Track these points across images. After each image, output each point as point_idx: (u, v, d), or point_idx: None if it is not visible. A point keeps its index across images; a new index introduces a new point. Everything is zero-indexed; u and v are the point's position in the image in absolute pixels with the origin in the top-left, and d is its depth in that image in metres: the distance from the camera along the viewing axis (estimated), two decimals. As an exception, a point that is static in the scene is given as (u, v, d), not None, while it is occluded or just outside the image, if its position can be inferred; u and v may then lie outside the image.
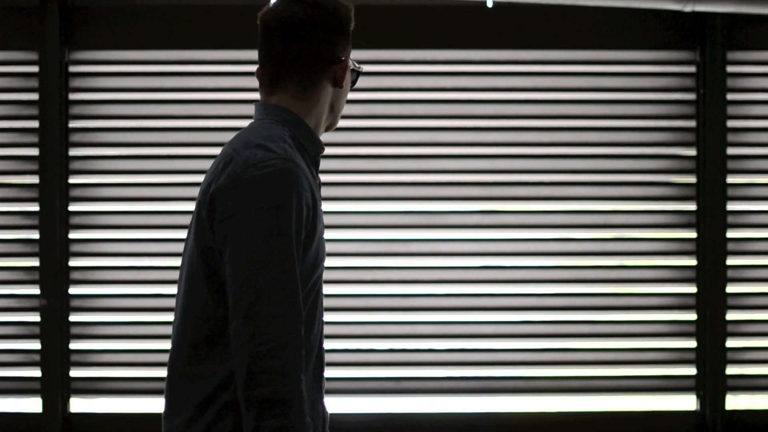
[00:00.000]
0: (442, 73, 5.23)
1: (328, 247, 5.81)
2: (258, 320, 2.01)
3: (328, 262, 5.73)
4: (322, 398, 2.26)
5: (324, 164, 5.30)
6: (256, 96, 5.78)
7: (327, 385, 4.99)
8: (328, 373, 5.06)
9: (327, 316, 5.23)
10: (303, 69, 2.24)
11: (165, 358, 5.66)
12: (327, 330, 5.22)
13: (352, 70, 2.33)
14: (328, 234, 5.19)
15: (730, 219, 5.24)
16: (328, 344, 5.22)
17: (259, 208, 2.04)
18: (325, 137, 5.89)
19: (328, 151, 5.63)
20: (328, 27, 2.25)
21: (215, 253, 2.09)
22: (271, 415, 1.99)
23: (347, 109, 5.49)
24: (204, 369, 2.16)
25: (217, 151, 5.56)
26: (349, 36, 2.30)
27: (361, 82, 5.25)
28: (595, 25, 5.22)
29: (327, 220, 5.22)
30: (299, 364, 2.03)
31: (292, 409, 2.00)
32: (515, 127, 5.23)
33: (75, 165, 5.20)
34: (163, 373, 5.61)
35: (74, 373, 5.19)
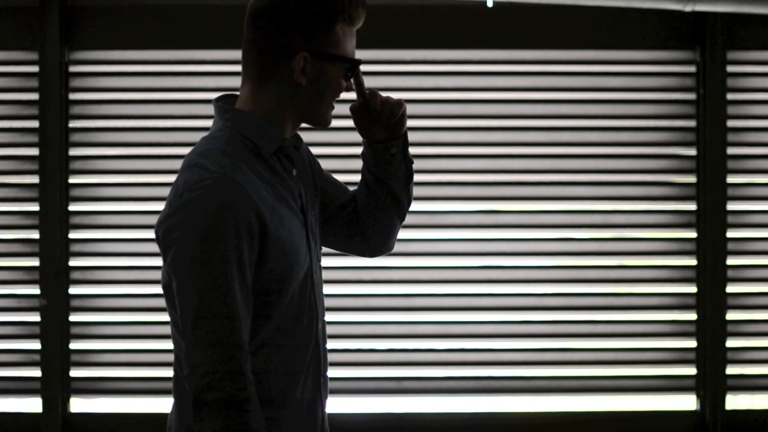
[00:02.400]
0: (442, 73, 5.22)
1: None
2: (198, 350, 1.98)
3: (329, 262, 5.70)
4: (321, 399, 2.24)
5: (324, 164, 5.30)
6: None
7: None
8: (330, 372, 5.06)
9: (327, 316, 5.22)
10: (254, 61, 2.14)
11: (165, 358, 5.69)
12: (327, 330, 5.21)
13: (339, 57, 2.15)
14: (328, 234, 5.19)
15: (730, 219, 5.24)
16: (328, 344, 5.21)
17: (193, 233, 1.99)
18: (325, 137, 5.87)
19: (328, 151, 5.67)
20: (285, 13, 2.10)
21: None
22: None
23: (346, 109, 5.48)
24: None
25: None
26: (324, 27, 2.12)
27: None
28: (595, 25, 5.22)
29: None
30: (242, 392, 1.98)
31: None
32: (515, 127, 5.23)
33: (75, 165, 5.19)
34: (163, 372, 5.63)
35: (74, 373, 5.19)
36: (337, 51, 2.15)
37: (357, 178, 5.61)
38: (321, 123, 2.22)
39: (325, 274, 5.59)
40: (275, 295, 2.10)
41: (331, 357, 5.14)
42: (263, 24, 2.11)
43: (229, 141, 2.11)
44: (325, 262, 5.58)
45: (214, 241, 1.98)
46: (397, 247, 5.27)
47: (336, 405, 5.03)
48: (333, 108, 2.23)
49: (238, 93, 2.24)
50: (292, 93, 2.14)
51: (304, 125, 2.26)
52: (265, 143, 2.13)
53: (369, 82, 5.71)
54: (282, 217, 2.10)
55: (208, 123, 5.78)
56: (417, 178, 5.27)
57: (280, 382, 2.13)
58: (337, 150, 5.18)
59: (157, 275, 5.19)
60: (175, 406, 2.20)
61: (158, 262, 5.19)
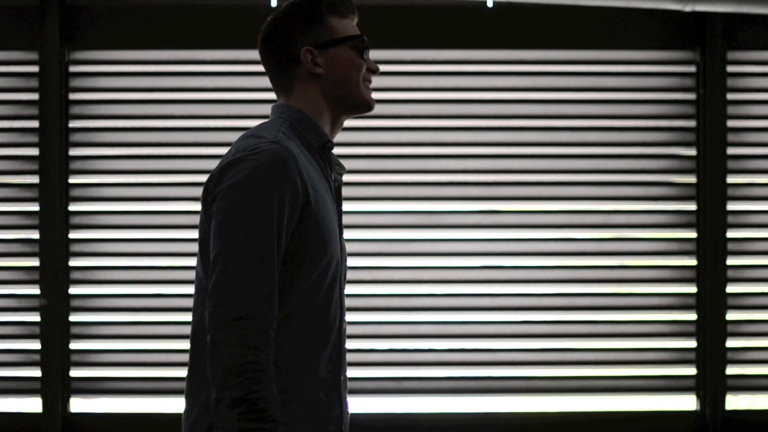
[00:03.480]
0: (442, 73, 5.23)
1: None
2: (224, 290, 2.04)
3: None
4: (341, 398, 2.24)
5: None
6: (257, 96, 5.79)
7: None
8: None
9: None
10: (277, 77, 2.34)
11: (165, 358, 5.69)
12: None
13: (341, 39, 2.31)
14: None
15: (730, 219, 5.24)
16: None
17: (241, 185, 2.08)
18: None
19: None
20: (277, 28, 2.31)
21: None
22: (230, 386, 1.99)
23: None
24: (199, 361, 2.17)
25: (217, 150, 5.57)
26: (316, 22, 2.30)
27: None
28: (595, 25, 5.22)
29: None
30: (261, 337, 2.02)
31: (251, 381, 1.99)
32: (515, 127, 5.23)
33: (75, 165, 5.20)
34: (163, 372, 5.62)
35: (74, 373, 5.19)
36: (337, 35, 2.32)
37: (357, 177, 5.59)
38: (361, 103, 2.34)
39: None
40: (306, 268, 2.14)
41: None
42: (269, 45, 2.32)
43: (283, 125, 2.25)
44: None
45: (262, 195, 2.07)
46: (397, 247, 5.31)
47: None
48: (370, 89, 2.36)
49: (284, 103, 2.36)
50: (318, 87, 2.30)
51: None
52: (314, 137, 2.28)
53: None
54: (325, 201, 2.21)
55: (208, 123, 5.80)
56: (417, 178, 5.29)
57: (298, 360, 2.15)
58: (337, 150, 5.17)
59: (157, 275, 5.20)
60: (193, 382, 2.20)
61: (158, 262, 5.20)
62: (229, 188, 2.09)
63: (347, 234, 5.25)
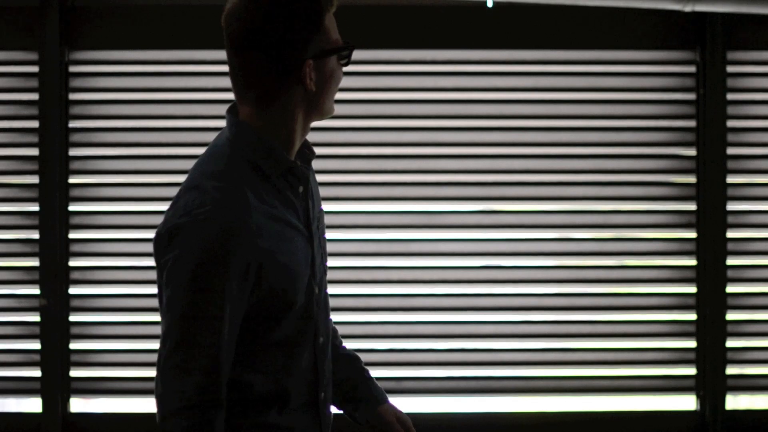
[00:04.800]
0: (442, 73, 5.22)
1: (329, 247, 5.75)
2: (170, 375, 1.94)
3: (329, 261, 5.68)
4: (319, 424, 2.19)
5: (324, 164, 5.33)
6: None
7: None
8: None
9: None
10: (249, 87, 2.05)
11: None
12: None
13: (337, 49, 2.07)
14: (327, 233, 5.18)
15: (730, 219, 5.24)
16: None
17: (187, 261, 1.93)
18: (325, 137, 5.88)
19: (328, 151, 5.66)
20: (272, 32, 1.98)
21: None
22: None
23: (347, 109, 5.49)
24: None
25: (217, 151, 5.49)
26: (317, 27, 2.02)
27: (361, 81, 5.27)
28: (595, 25, 5.22)
29: (327, 220, 5.21)
30: (208, 427, 1.95)
31: None
32: (515, 127, 5.23)
33: (75, 165, 5.19)
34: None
35: (74, 373, 5.19)
36: (331, 44, 2.06)
37: (357, 177, 5.57)
38: (328, 113, 2.13)
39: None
40: (273, 316, 2.06)
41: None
42: (253, 50, 2.00)
43: (232, 162, 2.03)
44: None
45: (208, 271, 1.93)
46: (397, 247, 5.30)
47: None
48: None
49: (237, 113, 2.15)
50: (301, 101, 2.06)
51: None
52: (271, 167, 2.05)
53: (369, 82, 5.74)
54: (283, 241, 2.04)
55: (208, 123, 5.80)
56: (418, 178, 5.28)
57: (270, 391, 2.08)
58: (337, 150, 5.18)
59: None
60: None
61: (158, 262, 5.19)
62: (175, 261, 1.94)
63: (347, 234, 5.24)
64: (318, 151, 5.70)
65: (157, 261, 2.02)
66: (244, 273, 1.97)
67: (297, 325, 2.09)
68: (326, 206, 5.18)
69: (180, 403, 1.94)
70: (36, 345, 5.15)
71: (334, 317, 5.20)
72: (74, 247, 5.19)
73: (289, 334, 2.08)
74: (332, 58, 2.07)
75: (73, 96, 5.19)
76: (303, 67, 2.01)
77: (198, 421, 1.94)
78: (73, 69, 5.19)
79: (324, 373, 2.19)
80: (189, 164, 5.18)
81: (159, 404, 1.97)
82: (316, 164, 5.85)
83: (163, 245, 1.98)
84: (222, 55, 5.43)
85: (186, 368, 1.94)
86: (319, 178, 5.28)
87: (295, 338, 2.10)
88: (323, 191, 5.21)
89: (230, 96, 5.55)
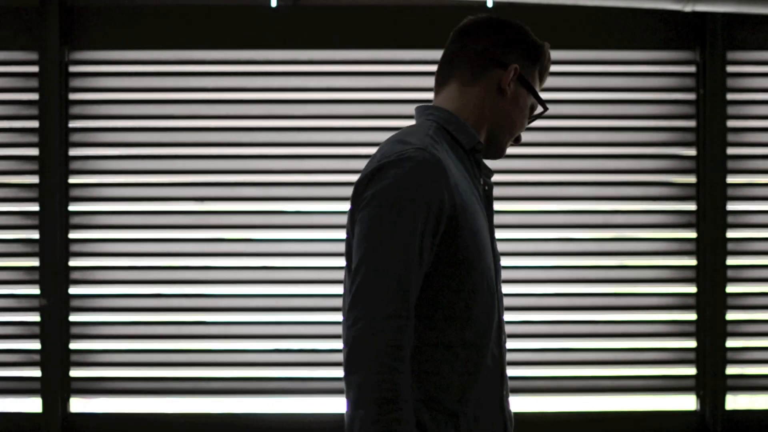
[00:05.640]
0: (442, 73, 5.22)
1: (330, 247, 5.77)
2: (363, 302, 2.02)
3: (328, 261, 5.67)
4: (501, 402, 2.22)
5: (324, 164, 5.33)
6: (256, 96, 5.76)
7: (329, 385, 5.00)
8: (330, 372, 5.07)
9: (328, 316, 5.23)
10: (467, 64, 2.31)
11: (165, 358, 5.67)
12: (328, 330, 5.22)
13: (539, 97, 2.33)
14: (329, 234, 5.20)
15: (730, 219, 5.24)
16: (328, 344, 5.22)
17: (385, 194, 2.06)
18: (323, 137, 5.86)
19: (327, 151, 5.64)
20: (505, 32, 2.35)
21: None
22: (363, 404, 1.98)
23: (347, 109, 5.47)
24: None
25: (216, 150, 5.55)
26: (530, 57, 2.34)
27: (361, 82, 5.27)
28: (595, 25, 5.22)
29: (326, 220, 5.22)
30: (399, 355, 1.99)
31: (385, 401, 1.97)
32: (515, 127, 5.22)
33: (75, 165, 5.20)
34: (163, 372, 5.60)
35: (74, 373, 5.19)
36: (534, 83, 2.35)
37: (354, 178, 5.54)
38: (499, 149, 2.36)
39: (324, 274, 5.59)
40: (459, 283, 2.12)
41: (331, 357, 5.15)
42: (482, 34, 2.35)
43: (431, 129, 2.21)
44: (323, 261, 5.56)
45: (406, 205, 2.04)
46: (397, 247, 5.27)
47: (336, 405, 5.02)
48: (510, 143, 2.38)
49: (429, 104, 2.36)
50: (493, 98, 2.29)
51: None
52: (464, 137, 2.25)
53: (369, 82, 5.73)
54: (474, 210, 2.17)
55: (208, 123, 5.78)
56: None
57: (460, 376, 2.13)
58: (337, 150, 5.18)
59: (157, 275, 5.20)
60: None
61: (158, 262, 5.21)
62: (373, 196, 2.07)
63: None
64: (318, 151, 5.71)
65: (354, 203, 2.13)
66: (437, 213, 2.07)
67: (483, 298, 2.16)
68: (326, 206, 5.22)
69: (370, 329, 2.00)
70: (36, 345, 5.15)
71: (334, 317, 5.23)
72: (74, 247, 5.19)
73: (477, 304, 2.15)
74: (529, 100, 2.33)
75: (73, 96, 5.19)
76: (509, 66, 2.29)
77: (383, 346, 1.99)
78: (73, 69, 5.19)
79: (504, 354, 2.24)
80: (189, 164, 5.20)
81: (350, 330, 2.02)
82: (316, 164, 5.83)
83: (362, 186, 2.12)
84: (222, 55, 5.43)
85: (379, 296, 2.01)
86: (320, 178, 5.30)
87: (482, 312, 2.16)
88: (323, 191, 5.24)
89: (231, 96, 5.56)
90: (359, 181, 2.14)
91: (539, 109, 2.39)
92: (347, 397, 2.03)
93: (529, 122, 2.39)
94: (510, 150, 4.60)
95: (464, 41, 2.36)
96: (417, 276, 2.06)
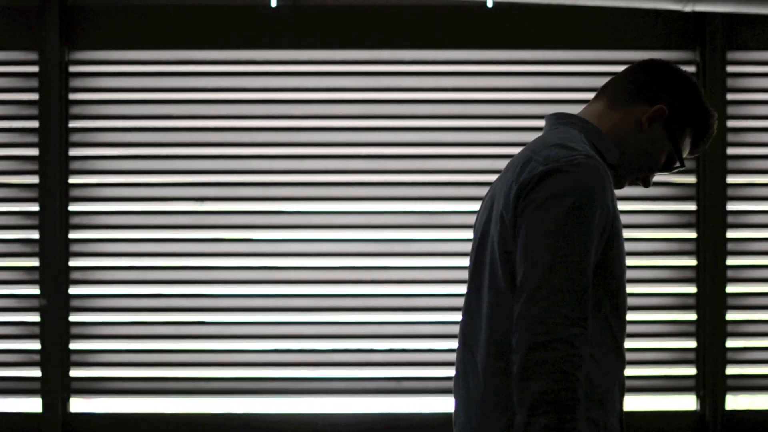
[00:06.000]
0: (442, 73, 5.22)
1: (330, 247, 5.78)
2: (541, 305, 2.01)
3: (329, 261, 5.69)
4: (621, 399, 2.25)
5: (324, 164, 5.33)
6: (256, 96, 5.76)
7: (327, 384, 5.01)
8: (330, 373, 5.07)
9: (327, 316, 5.23)
10: (623, 89, 2.36)
11: (165, 358, 5.67)
12: (327, 330, 5.23)
13: (678, 152, 2.32)
14: (328, 234, 5.20)
15: (730, 219, 5.24)
16: (328, 344, 5.22)
17: (561, 198, 2.06)
18: (323, 137, 5.86)
19: (326, 151, 5.64)
20: (673, 79, 2.34)
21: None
22: (542, 412, 1.97)
23: (347, 109, 5.47)
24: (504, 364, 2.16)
25: (216, 150, 5.55)
26: (688, 120, 2.32)
27: (361, 82, 5.27)
28: (595, 25, 5.22)
29: (326, 220, 5.22)
30: (577, 363, 1.99)
31: (565, 409, 1.97)
32: (515, 127, 5.23)
33: (75, 165, 5.19)
34: (163, 372, 5.60)
35: (74, 373, 5.19)
36: (680, 142, 2.34)
37: (357, 177, 5.55)
38: (620, 177, 2.36)
39: (325, 274, 5.58)
40: (611, 296, 2.16)
41: (331, 357, 5.15)
42: (654, 72, 2.36)
43: (582, 137, 2.26)
44: (324, 261, 5.55)
45: (582, 212, 2.05)
46: (397, 247, 5.30)
47: (336, 405, 5.03)
48: (630, 182, 2.40)
49: (566, 112, 2.41)
50: (629, 129, 2.33)
51: None
52: (607, 151, 2.29)
53: (369, 82, 5.72)
54: (620, 226, 2.19)
55: (208, 123, 5.77)
56: (417, 178, 5.28)
57: (605, 391, 2.16)
58: (337, 150, 5.18)
59: (157, 275, 5.20)
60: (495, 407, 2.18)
61: (158, 262, 5.20)
62: (548, 199, 2.07)
63: (347, 234, 5.25)
64: (318, 151, 5.70)
65: (516, 204, 2.11)
66: (603, 223, 2.10)
67: (620, 316, 2.19)
68: (327, 206, 5.22)
69: (553, 335, 1.99)
70: (36, 345, 5.15)
71: (335, 317, 5.23)
72: (74, 247, 5.19)
73: (617, 322, 2.19)
74: (668, 151, 2.34)
75: (73, 96, 5.19)
76: (657, 104, 2.31)
77: (570, 355, 1.98)
78: (73, 69, 5.19)
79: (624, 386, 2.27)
80: (189, 164, 5.20)
81: (527, 334, 2.00)
82: (315, 164, 5.82)
83: (530, 187, 2.10)
84: (222, 55, 5.44)
85: (557, 300, 2.01)
86: (320, 178, 5.30)
87: (618, 330, 2.19)
88: (323, 191, 5.24)
89: (231, 96, 5.56)
90: (524, 182, 2.12)
91: (677, 165, 2.39)
92: (521, 403, 2.00)
93: (662, 171, 2.39)
94: (510, 150, 4.67)
95: (637, 71, 2.40)
96: (591, 286, 2.08)
